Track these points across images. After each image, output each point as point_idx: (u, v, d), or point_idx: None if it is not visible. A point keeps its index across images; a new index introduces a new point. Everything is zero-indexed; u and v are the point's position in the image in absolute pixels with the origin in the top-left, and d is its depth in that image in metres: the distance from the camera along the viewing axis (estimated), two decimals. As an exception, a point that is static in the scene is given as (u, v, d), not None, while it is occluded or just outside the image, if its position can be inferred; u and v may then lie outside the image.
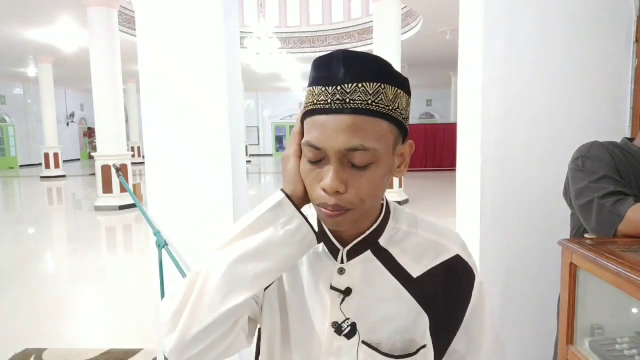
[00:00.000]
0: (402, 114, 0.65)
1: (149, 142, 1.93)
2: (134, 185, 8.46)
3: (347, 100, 0.60)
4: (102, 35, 8.12)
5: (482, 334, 0.76)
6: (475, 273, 0.75)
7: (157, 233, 1.95)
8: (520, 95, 1.73)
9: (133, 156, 12.33)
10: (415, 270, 0.72)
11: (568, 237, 1.41)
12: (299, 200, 0.67)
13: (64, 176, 14.63)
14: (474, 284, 0.74)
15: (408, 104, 0.67)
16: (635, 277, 0.90)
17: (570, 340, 1.14)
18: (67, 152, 19.85)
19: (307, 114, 0.65)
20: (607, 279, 1.00)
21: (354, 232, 0.72)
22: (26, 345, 3.08)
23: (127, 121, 15.97)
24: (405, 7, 9.99)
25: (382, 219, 0.73)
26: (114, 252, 6.32)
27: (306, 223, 0.66)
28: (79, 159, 23.33)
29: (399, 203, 8.33)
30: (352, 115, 0.60)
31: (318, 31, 14.75)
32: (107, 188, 8.59)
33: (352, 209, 0.64)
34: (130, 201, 8.40)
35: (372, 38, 9.42)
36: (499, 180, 1.75)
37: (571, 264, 1.13)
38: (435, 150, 15.65)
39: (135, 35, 1.95)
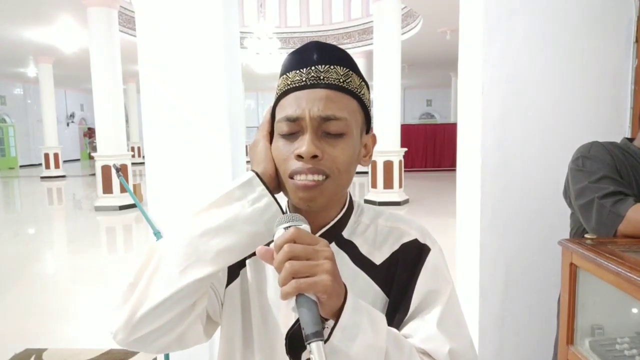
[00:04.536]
0: (367, 104, 0.71)
1: (149, 142, 1.92)
2: (134, 185, 8.46)
3: (321, 77, 0.66)
4: (102, 35, 8.11)
5: (439, 325, 0.66)
6: (434, 254, 0.72)
7: (157, 233, 1.95)
8: (520, 95, 1.73)
9: (133, 156, 12.32)
10: (377, 258, 0.72)
11: (568, 237, 1.41)
12: (269, 179, 0.67)
13: (64, 176, 14.62)
14: (426, 258, 0.71)
15: (369, 101, 0.72)
16: (635, 277, 0.90)
17: (570, 340, 1.14)
18: (67, 152, 19.85)
19: (281, 96, 0.68)
20: (607, 279, 1.00)
21: (318, 223, 0.72)
22: (26, 345, 3.08)
23: (127, 121, 15.98)
24: (405, 7, 9.99)
25: (346, 210, 0.74)
26: (114, 252, 6.32)
27: (275, 203, 0.65)
28: (79, 159, 23.32)
29: (399, 203, 8.42)
30: (326, 89, 0.66)
31: (318, 31, 14.74)
32: (107, 188, 8.58)
33: (329, 175, 0.65)
34: (130, 201, 8.40)
35: (372, 38, 9.42)
36: (499, 180, 1.75)
37: (571, 264, 1.13)
38: (435, 150, 15.64)
39: (135, 35, 1.95)
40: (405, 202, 8.57)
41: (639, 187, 1.25)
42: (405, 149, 8.74)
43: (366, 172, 10.17)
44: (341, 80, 0.66)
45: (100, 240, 6.86)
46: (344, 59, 0.68)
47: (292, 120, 0.65)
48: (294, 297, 0.54)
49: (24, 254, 5.80)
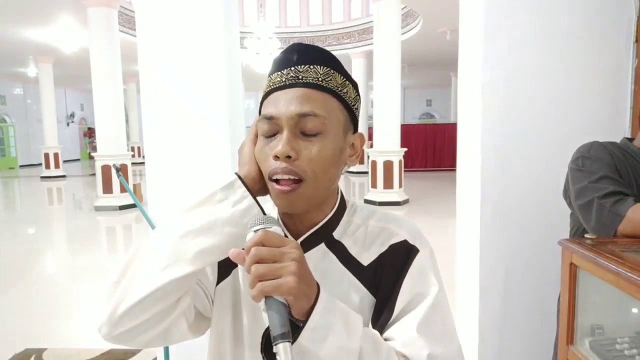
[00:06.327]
0: (351, 103, 0.70)
1: (149, 142, 1.92)
2: (134, 185, 8.46)
3: (300, 77, 0.67)
4: (102, 35, 8.11)
5: (419, 328, 0.65)
6: (423, 256, 0.71)
7: (157, 233, 1.94)
8: (520, 95, 1.73)
9: (133, 156, 12.30)
10: (365, 259, 0.72)
11: (568, 237, 1.41)
12: (252, 182, 0.68)
13: (64, 176, 14.62)
14: (413, 260, 0.70)
15: (357, 100, 0.72)
16: (635, 277, 0.90)
17: (570, 340, 1.14)
18: (67, 152, 19.84)
19: (264, 97, 0.70)
20: (607, 279, 1.00)
21: (308, 223, 0.72)
22: (26, 345, 3.08)
23: (127, 121, 15.97)
24: (405, 7, 9.99)
25: (336, 211, 0.74)
26: (113, 252, 6.32)
27: (256, 205, 0.66)
28: (79, 159, 23.32)
29: (399, 203, 8.41)
30: (304, 88, 0.66)
31: (318, 31, 14.73)
32: (107, 188, 8.58)
33: (305, 179, 0.65)
34: (130, 201, 8.40)
35: (372, 38, 9.42)
36: (499, 180, 1.75)
37: (571, 264, 1.13)
38: (435, 150, 15.64)
39: (135, 35, 1.95)
40: (405, 202, 8.57)
41: (639, 187, 1.25)
42: (405, 149, 8.75)
43: (366, 172, 10.18)
44: (320, 79, 0.67)
45: (100, 240, 6.86)
46: (325, 59, 0.68)
47: (269, 119, 0.66)
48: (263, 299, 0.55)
49: (24, 254, 5.80)
